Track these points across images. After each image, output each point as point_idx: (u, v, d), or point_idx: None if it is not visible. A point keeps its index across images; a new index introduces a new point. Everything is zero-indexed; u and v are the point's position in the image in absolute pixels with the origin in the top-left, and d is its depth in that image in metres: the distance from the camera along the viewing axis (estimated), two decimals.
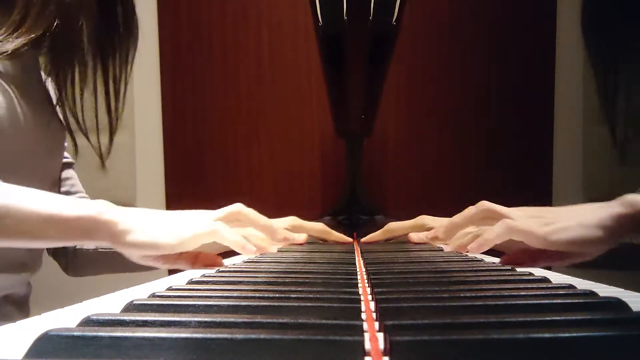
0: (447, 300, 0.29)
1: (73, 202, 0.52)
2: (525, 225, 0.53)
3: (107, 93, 0.71)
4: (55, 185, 0.73)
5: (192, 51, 1.43)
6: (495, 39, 1.38)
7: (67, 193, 0.80)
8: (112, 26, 0.69)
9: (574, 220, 0.52)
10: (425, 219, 0.79)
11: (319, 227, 0.82)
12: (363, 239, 0.85)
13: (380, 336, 0.23)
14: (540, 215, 0.54)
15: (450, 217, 0.64)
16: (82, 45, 0.66)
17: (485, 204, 0.58)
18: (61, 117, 0.71)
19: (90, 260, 0.79)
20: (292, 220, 0.79)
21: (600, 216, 0.50)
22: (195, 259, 0.59)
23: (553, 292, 0.32)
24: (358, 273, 0.43)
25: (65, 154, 0.80)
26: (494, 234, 0.54)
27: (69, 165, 0.81)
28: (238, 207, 0.61)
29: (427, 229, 0.75)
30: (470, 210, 0.60)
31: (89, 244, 0.55)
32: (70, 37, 0.63)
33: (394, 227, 0.83)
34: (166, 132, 1.44)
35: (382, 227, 1.05)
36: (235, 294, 0.32)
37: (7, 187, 0.50)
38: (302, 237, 0.71)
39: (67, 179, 0.81)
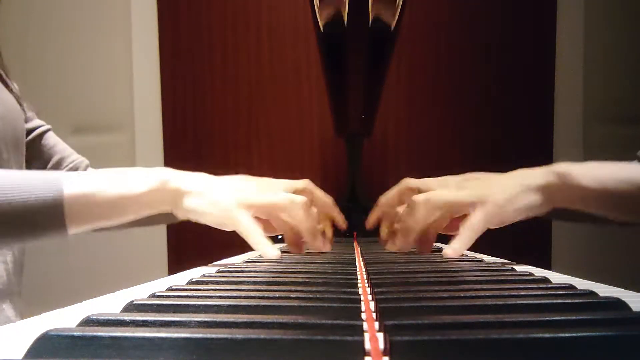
0: (447, 300, 0.29)
1: (138, 177, 0.54)
2: (481, 219, 0.55)
3: None
4: (18, 147, 0.70)
5: (192, 52, 1.43)
6: (495, 39, 1.38)
7: (62, 159, 0.79)
8: None
9: (518, 187, 0.55)
10: (408, 182, 0.79)
11: (329, 201, 0.81)
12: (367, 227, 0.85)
13: (380, 336, 0.23)
14: (484, 192, 0.57)
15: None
16: None
17: (435, 200, 0.58)
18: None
19: None
20: (305, 183, 0.77)
21: (538, 182, 0.54)
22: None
23: (553, 292, 0.32)
24: (358, 273, 0.43)
25: (40, 121, 0.78)
26: (467, 242, 0.56)
27: (47, 131, 0.79)
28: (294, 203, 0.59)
29: (412, 190, 0.75)
30: (420, 214, 0.59)
31: (159, 212, 0.56)
32: None
33: (383, 200, 0.83)
34: (166, 132, 1.44)
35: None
36: (235, 294, 0.32)
37: (75, 175, 0.52)
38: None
39: (54, 145, 0.79)
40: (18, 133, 0.68)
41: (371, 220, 0.83)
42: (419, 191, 0.71)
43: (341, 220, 0.83)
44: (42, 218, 0.49)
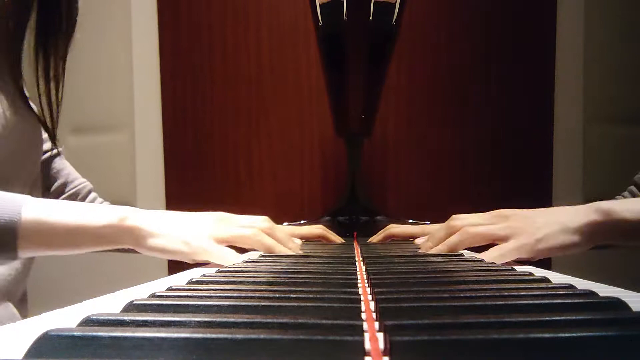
0: (447, 300, 0.29)
1: (98, 211, 0.55)
2: (511, 249, 0.57)
3: (47, 81, 0.72)
4: (35, 183, 0.72)
5: (192, 51, 1.43)
6: (495, 39, 1.38)
7: (65, 184, 0.80)
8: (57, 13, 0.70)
9: (555, 225, 0.56)
10: (427, 228, 0.80)
11: (319, 232, 0.82)
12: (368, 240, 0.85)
13: (380, 336, 0.23)
14: (520, 228, 0.58)
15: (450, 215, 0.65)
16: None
17: (468, 233, 0.60)
18: (35, 109, 0.70)
19: None
20: (289, 229, 0.81)
21: (578, 222, 0.55)
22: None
23: (553, 292, 0.32)
24: (358, 273, 0.43)
25: (49, 145, 0.79)
26: (494, 256, 0.58)
27: (56, 156, 0.80)
28: (248, 235, 0.61)
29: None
30: (455, 240, 0.62)
31: (116, 248, 0.58)
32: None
33: (396, 231, 0.84)
34: (166, 132, 1.44)
35: (382, 227, 1.05)
36: (235, 294, 0.32)
37: (35, 202, 0.53)
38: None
39: (61, 170, 0.80)
40: (34, 167, 0.70)
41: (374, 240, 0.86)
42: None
43: (336, 238, 0.84)
44: None
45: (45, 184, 0.78)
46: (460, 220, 0.62)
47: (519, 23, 1.38)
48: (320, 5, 0.85)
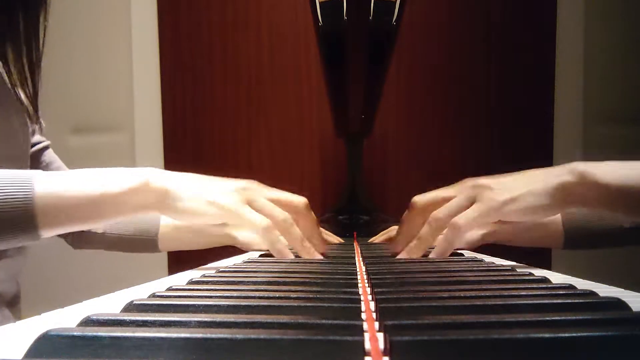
0: (447, 300, 0.29)
1: (118, 175, 0.51)
2: (472, 215, 0.53)
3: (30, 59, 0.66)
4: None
5: (192, 51, 1.43)
6: (495, 39, 1.38)
7: None
8: None
9: (524, 188, 0.52)
10: None
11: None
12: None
13: (380, 336, 0.23)
14: (484, 192, 0.54)
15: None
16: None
17: (419, 202, 0.58)
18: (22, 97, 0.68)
19: (97, 240, 0.79)
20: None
21: (548, 183, 0.51)
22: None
23: (553, 292, 0.32)
24: (358, 273, 0.43)
25: (40, 137, 0.77)
26: (450, 242, 0.54)
27: (46, 149, 0.78)
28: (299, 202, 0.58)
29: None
30: (408, 216, 0.59)
31: (142, 213, 0.53)
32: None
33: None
34: (166, 132, 1.44)
35: (381, 227, 1.05)
36: (235, 294, 0.32)
37: (47, 175, 0.49)
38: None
39: (50, 163, 0.78)
40: (22, 161, 0.67)
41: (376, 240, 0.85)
42: None
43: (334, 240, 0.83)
44: (11, 218, 0.46)
45: None
46: (419, 202, 0.59)
47: (519, 23, 1.38)
48: (320, 5, 0.85)
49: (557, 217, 0.67)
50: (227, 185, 0.55)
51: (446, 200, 0.56)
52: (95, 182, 0.49)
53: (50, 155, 0.78)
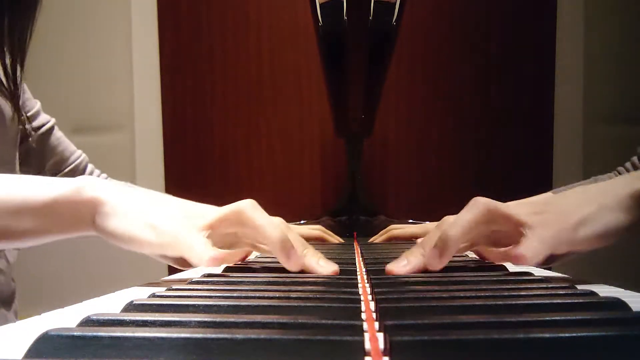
0: (447, 300, 0.29)
1: (48, 182, 0.42)
2: (549, 232, 0.41)
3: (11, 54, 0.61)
4: (10, 163, 0.65)
5: (192, 51, 1.43)
6: (496, 39, 1.38)
7: (60, 162, 0.75)
8: None
9: (593, 205, 0.41)
10: (428, 227, 0.77)
11: (317, 234, 0.80)
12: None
13: (380, 336, 0.23)
14: (546, 210, 0.43)
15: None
16: None
17: (486, 205, 0.42)
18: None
19: None
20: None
21: (620, 195, 0.41)
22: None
23: (553, 292, 0.32)
24: (358, 273, 0.43)
25: (45, 117, 0.74)
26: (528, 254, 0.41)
27: (50, 131, 0.74)
28: (243, 207, 0.45)
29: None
30: (471, 215, 0.42)
31: (73, 234, 0.43)
32: None
33: (397, 232, 0.82)
34: (166, 132, 1.44)
35: (381, 227, 1.05)
36: (235, 294, 0.32)
37: None
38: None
39: (55, 146, 0.74)
40: (9, 158, 0.65)
41: (375, 240, 0.84)
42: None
43: (335, 240, 0.82)
44: None
45: (41, 162, 0.74)
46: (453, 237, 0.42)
47: (519, 23, 1.38)
48: (320, 5, 0.85)
49: None
50: (176, 206, 0.46)
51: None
52: (19, 188, 0.41)
53: (55, 139, 0.76)
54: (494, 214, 0.42)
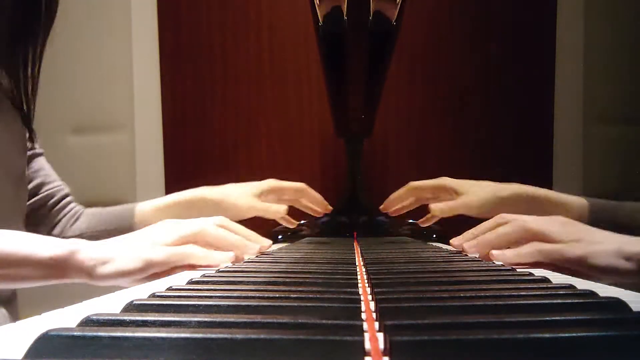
0: (447, 300, 0.29)
1: (47, 242, 0.52)
2: (566, 247, 0.50)
3: (25, 75, 0.68)
4: (21, 180, 0.71)
5: (192, 51, 1.43)
6: (495, 39, 1.38)
7: (42, 184, 0.79)
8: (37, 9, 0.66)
9: (613, 245, 0.49)
10: (446, 180, 0.78)
11: (298, 186, 0.83)
12: (386, 205, 0.85)
13: (380, 336, 0.23)
14: (574, 235, 0.51)
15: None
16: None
17: (524, 224, 0.54)
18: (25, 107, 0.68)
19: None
20: (270, 182, 0.82)
21: (636, 248, 0.48)
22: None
23: (553, 292, 0.32)
24: (358, 273, 0.43)
25: (29, 144, 0.77)
26: (525, 256, 0.52)
27: (38, 155, 0.79)
28: (203, 227, 0.56)
29: (447, 190, 0.74)
30: (506, 229, 0.55)
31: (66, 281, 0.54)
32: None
33: (417, 184, 0.83)
34: (166, 132, 1.44)
35: (382, 227, 1.05)
36: (235, 294, 0.32)
37: None
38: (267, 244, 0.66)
39: (38, 170, 0.79)
40: (18, 170, 0.68)
41: (394, 198, 0.85)
42: (455, 192, 0.71)
43: (318, 198, 0.85)
44: None
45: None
46: (511, 216, 0.56)
47: (519, 23, 1.38)
48: (320, 5, 0.85)
49: (583, 203, 0.65)
50: (148, 232, 0.56)
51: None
52: (22, 245, 0.50)
53: (38, 162, 0.79)
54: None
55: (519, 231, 0.54)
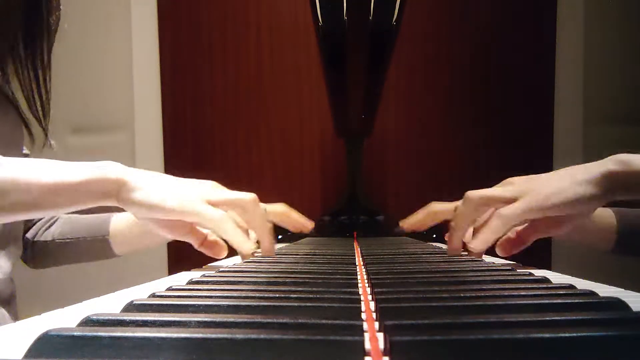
0: (447, 300, 0.29)
1: (78, 166, 0.51)
2: (519, 207, 0.53)
3: (36, 76, 0.68)
4: None
5: (192, 51, 1.43)
6: (495, 39, 1.38)
7: None
8: (39, 12, 0.67)
9: (567, 179, 0.52)
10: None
11: (279, 210, 0.84)
12: (405, 224, 0.86)
13: (380, 336, 0.23)
14: (529, 187, 0.54)
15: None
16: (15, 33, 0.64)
17: (472, 196, 0.57)
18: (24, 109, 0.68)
19: (49, 251, 0.78)
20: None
21: (591, 173, 0.51)
22: (203, 241, 0.61)
23: (553, 292, 0.32)
24: (358, 273, 0.43)
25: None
26: (494, 230, 0.54)
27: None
28: (250, 199, 0.59)
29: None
30: (464, 210, 0.57)
31: (99, 204, 0.53)
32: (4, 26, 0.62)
33: (438, 209, 0.84)
34: (166, 132, 1.44)
35: (382, 227, 1.05)
36: (235, 294, 0.32)
37: (11, 160, 0.50)
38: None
39: None
40: None
41: (415, 222, 0.86)
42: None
43: (300, 220, 0.85)
44: None
45: None
46: (468, 192, 0.58)
47: (519, 24, 1.38)
48: (320, 4, 0.85)
49: (611, 218, 0.66)
50: (185, 184, 0.58)
51: (496, 198, 0.56)
52: (53, 172, 0.49)
53: None
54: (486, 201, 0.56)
55: (471, 203, 0.57)
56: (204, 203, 0.55)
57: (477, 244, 0.57)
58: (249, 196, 0.59)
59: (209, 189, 0.59)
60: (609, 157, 0.52)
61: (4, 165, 0.49)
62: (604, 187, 0.50)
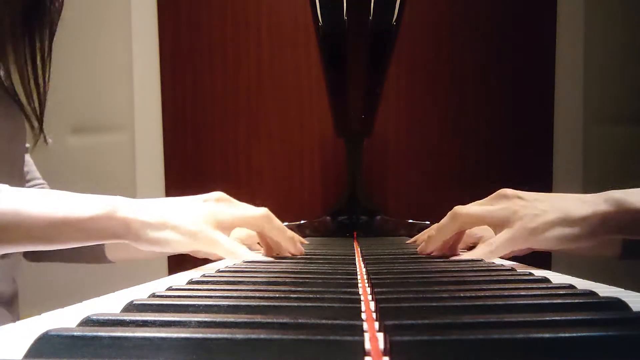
0: (447, 300, 0.29)
1: (86, 201, 0.50)
2: (506, 239, 0.52)
3: (35, 68, 0.66)
4: (21, 174, 0.70)
5: (192, 51, 1.43)
6: (496, 39, 1.38)
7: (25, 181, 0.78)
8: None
9: (556, 213, 0.51)
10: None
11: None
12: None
13: (380, 336, 0.23)
14: (519, 212, 0.53)
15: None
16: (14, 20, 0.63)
17: (459, 214, 0.56)
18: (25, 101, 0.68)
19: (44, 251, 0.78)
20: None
21: (584, 212, 0.50)
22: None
23: (553, 292, 0.32)
24: (358, 273, 0.43)
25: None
26: (482, 253, 0.54)
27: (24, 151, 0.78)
28: (262, 216, 0.58)
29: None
30: (447, 225, 0.57)
31: (107, 242, 0.53)
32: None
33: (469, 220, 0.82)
34: (166, 132, 1.44)
35: (381, 227, 1.05)
36: (235, 294, 0.32)
37: (14, 191, 0.48)
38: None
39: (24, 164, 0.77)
40: (17, 161, 0.68)
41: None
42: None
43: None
44: None
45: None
46: (457, 207, 0.57)
47: (519, 24, 1.38)
48: (320, 4, 0.85)
49: None
50: (194, 209, 0.55)
51: (484, 220, 0.56)
52: (60, 205, 0.48)
53: (25, 158, 0.78)
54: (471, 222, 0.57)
55: (459, 220, 0.56)
56: (216, 231, 0.54)
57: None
58: (260, 213, 0.58)
59: (217, 208, 0.57)
60: (604, 195, 0.50)
61: (6, 194, 0.47)
62: (595, 228, 0.49)
